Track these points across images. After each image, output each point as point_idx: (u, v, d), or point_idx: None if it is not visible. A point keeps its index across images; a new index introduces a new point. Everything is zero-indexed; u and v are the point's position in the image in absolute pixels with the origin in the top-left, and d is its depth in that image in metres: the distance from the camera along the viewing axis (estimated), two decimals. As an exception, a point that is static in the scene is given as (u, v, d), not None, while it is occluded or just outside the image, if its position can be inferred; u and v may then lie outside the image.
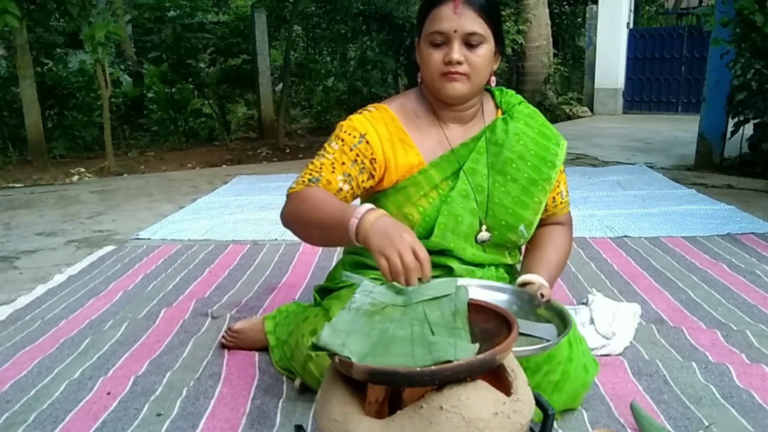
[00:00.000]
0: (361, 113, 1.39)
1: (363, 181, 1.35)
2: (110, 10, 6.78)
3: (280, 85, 8.22)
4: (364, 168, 1.34)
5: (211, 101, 8.18)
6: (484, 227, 1.39)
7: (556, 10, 10.82)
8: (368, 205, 1.14)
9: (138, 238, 3.13)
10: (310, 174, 1.32)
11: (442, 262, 1.39)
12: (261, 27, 7.56)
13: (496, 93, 1.46)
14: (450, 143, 1.39)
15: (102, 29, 5.08)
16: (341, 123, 1.38)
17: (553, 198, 1.47)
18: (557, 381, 1.31)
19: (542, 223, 1.48)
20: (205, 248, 2.88)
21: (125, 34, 7.12)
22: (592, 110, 9.96)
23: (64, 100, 7.04)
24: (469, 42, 1.28)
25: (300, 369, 1.47)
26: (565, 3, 11.43)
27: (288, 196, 1.31)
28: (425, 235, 1.37)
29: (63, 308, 2.16)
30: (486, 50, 1.30)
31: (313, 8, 8.84)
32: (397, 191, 1.37)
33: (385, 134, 1.36)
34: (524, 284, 1.35)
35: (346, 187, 1.32)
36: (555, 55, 10.24)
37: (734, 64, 4.33)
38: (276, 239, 3.03)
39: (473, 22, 1.27)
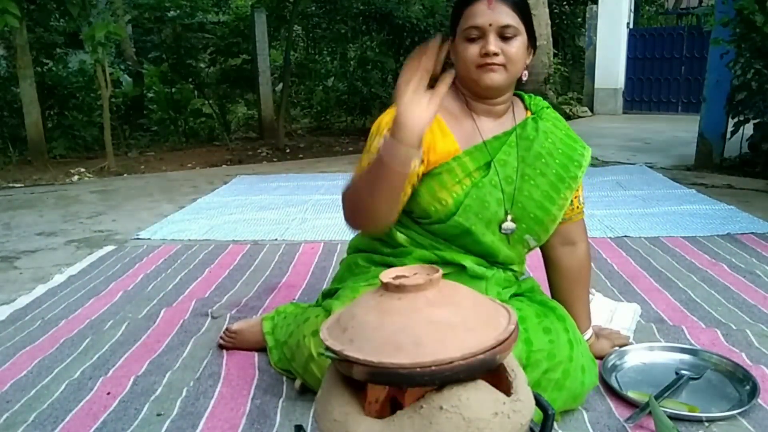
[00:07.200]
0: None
1: (415, 167, 1.31)
2: (110, 10, 6.76)
3: (280, 85, 8.21)
4: None
5: (211, 101, 8.17)
6: (509, 217, 1.42)
7: (556, 10, 10.81)
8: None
9: (138, 238, 3.13)
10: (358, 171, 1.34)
11: (455, 260, 1.42)
12: (261, 27, 7.56)
13: (525, 97, 1.53)
14: (482, 135, 1.43)
15: (102, 29, 5.08)
16: (378, 120, 1.39)
17: (571, 201, 1.50)
18: (557, 379, 1.31)
19: (559, 231, 1.50)
20: (205, 248, 2.88)
21: (125, 34, 7.10)
22: (592, 110, 9.96)
23: (64, 100, 7.03)
24: (504, 35, 1.34)
25: (301, 370, 1.47)
26: (565, 3, 11.42)
27: (342, 197, 1.30)
28: (451, 215, 1.40)
29: (63, 308, 2.16)
30: (520, 42, 1.36)
31: (313, 8, 8.82)
32: (431, 177, 1.39)
33: None
34: None
35: None
36: (555, 55, 10.23)
37: (734, 64, 4.32)
38: (276, 239, 3.03)
39: (507, 16, 1.33)
